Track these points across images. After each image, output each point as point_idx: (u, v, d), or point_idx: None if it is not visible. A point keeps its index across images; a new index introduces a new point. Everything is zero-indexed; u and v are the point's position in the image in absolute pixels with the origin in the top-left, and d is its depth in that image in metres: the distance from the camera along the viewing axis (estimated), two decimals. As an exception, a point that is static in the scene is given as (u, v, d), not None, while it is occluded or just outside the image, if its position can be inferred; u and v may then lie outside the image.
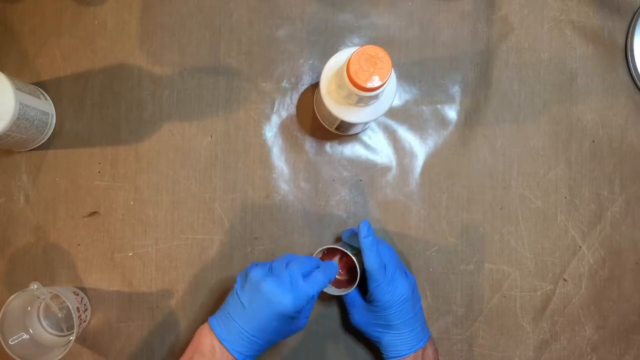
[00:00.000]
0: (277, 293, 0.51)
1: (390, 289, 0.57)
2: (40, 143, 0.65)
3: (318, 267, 0.56)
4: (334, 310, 0.66)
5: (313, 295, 0.53)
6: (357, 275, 0.59)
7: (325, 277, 0.55)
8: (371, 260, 0.56)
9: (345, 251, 0.59)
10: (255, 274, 0.53)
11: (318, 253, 0.60)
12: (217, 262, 0.66)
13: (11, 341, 0.58)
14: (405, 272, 0.59)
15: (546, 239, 0.67)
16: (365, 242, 0.57)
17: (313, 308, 0.58)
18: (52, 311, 0.64)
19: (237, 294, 0.53)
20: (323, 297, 0.66)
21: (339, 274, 0.63)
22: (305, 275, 0.54)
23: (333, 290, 0.60)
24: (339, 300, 0.66)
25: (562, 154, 0.67)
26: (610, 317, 0.67)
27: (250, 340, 0.52)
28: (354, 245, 0.62)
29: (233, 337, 0.52)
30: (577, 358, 0.67)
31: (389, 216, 0.66)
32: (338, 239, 0.66)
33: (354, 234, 0.63)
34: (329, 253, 0.63)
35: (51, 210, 0.66)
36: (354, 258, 0.59)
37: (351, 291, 0.60)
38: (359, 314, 0.60)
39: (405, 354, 0.58)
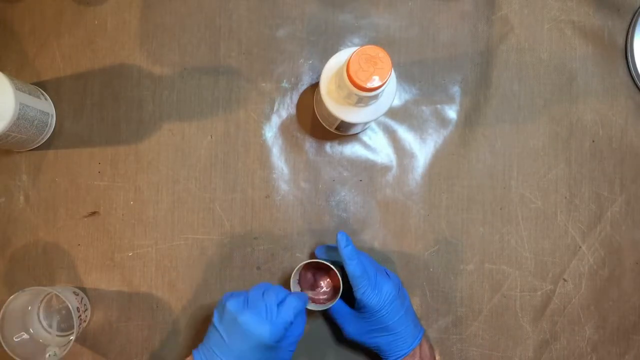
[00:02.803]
0: (254, 324, 0.51)
1: (376, 292, 0.57)
2: (40, 143, 0.65)
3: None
4: (323, 329, 0.66)
5: (291, 322, 0.53)
6: (339, 289, 0.60)
7: (299, 301, 0.55)
8: (354, 268, 0.57)
9: (326, 263, 0.60)
10: (231, 306, 0.53)
11: (298, 269, 0.61)
12: (217, 262, 0.66)
13: (11, 341, 0.58)
14: (387, 274, 0.60)
15: (546, 239, 0.67)
16: (346, 252, 0.57)
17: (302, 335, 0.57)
18: (52, 311, 0.64)
19: (216, 327, 0.53)
20: (310, 317, 0.65)
21: (321, 290, 0.64)
22: (280, 303, 0.54)
23: (318, 307, 0.60)
24: (327, 318, 0.66)
25: (562, 154, 0.67)
26: (610, 317, 0.67)
27: None
28: (329, 260, 0.63)
29: None
30: (577, 358, 0.67)
31: (389, 216, 0.66)
32: (312, 257, 0.66)
33: (329, 249, 0.64)
34: (308, 269, 0.63)
35: (51, 210, 0.66)
36: (335, 270, 0.60)
37: (338, 306, 0.61)
38: (352, 326, 0.60)
39: (405, 353, 0.58)
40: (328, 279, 0.64)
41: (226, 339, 0.52)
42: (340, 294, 0.60)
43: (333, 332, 0.66)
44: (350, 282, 0.58)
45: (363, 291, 0.57)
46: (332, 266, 0.60)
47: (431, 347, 0.61)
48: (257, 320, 0.52)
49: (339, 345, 0.66)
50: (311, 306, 0.60)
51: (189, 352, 0.65)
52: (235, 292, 0.56)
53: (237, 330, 0.52)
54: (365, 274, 0.57)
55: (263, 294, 0.54)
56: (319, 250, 0.64)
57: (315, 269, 0.64)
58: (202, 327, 0.65)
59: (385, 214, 0.66)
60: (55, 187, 0.66)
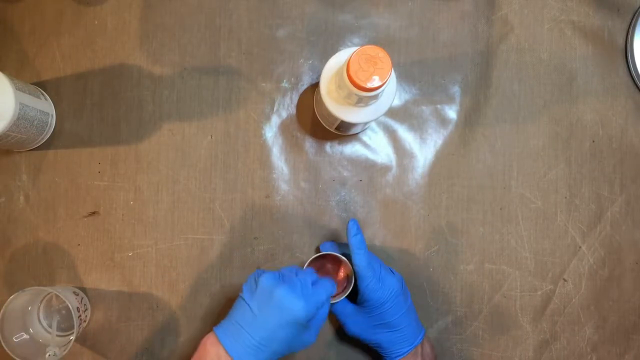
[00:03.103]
0: (289, 299, 0.51)
1: (380, 285, 0.57)
2: (40, 143, 0.65)
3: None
4: (324, 327, 0.66)
5: (323, 302, 0.53)
6: (347, 283, 0.60)
7: (331, 285, 0.55)
8: (361, 258, 0.57)
9: (337, 254, 0.60)
10: (267, 280, 0.52)
11: (309, 263, 0.61)
12: (217, 262, 0.66)
13: (11, 341, 0.58)
14: (392, 271, 0.60)
15: (546, 239, 0.67)
16: (355, 241, 0.58)
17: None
18: (52, 311, 0.64)
19: (245, 301, 0.52)
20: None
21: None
22: (314, 283, 0.55)
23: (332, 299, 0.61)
24: (329, 316, 0.65)
25: (562, 154, 0.67)
26: (610, 317, 0.67)
27: (258, 350, 0.51)
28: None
29: (240, 347, 0.51)
30: (577, 358, 0.67)
31: (389, 216, 0.66)
32: (317, 252, 0.66)
33: (334, 246, 0.64)
34: (318, 261, 0.63)
35: (51, 210, 0.66)
36: (347, 262, 0.60)
37: (340, 302, 0.61)
38: (354, 322, 0.60)
39: (406, 351, 0.58)
40: (335, 274, 0.64)
41: (257, 314, 0.51)
42: (352, 283, 0.60)
43: (334, 330, 0.66)
44: (355, 273, 0.58)
45: (367, 283, 0.57)
46: (342, 257, 0.60)
47: (432, 347, 0.61)
48: (293, 295, 0.51)
49: (339, 344, 0.66)
50: None
51: (188, 352, 0.65)
52: (266, 270, 0.56)
53: (271, 304, 0.51)
54: (370, 266, 0.57)
55: (296, 273, 0.55)
56: (324, 246, 0.64)
57: (323, 265, 0.64)
58: (202, 327, 0.65)
59: (385, 213, 0.66)
60: (55, 187, 0.66)
